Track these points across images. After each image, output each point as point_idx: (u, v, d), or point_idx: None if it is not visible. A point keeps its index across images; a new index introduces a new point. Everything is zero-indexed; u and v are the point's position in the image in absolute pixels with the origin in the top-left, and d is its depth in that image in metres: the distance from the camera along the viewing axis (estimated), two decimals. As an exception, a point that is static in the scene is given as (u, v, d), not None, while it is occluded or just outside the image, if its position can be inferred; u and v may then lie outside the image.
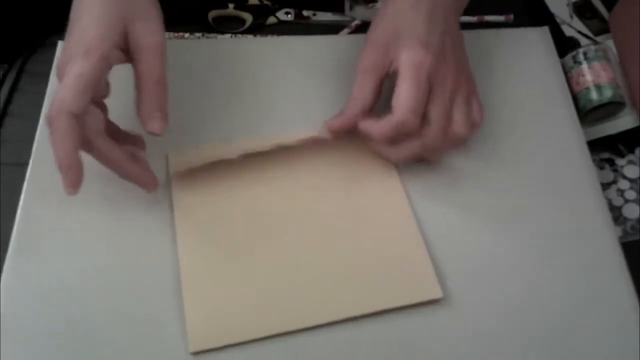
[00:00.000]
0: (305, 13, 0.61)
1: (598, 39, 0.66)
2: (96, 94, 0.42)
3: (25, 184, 0.48)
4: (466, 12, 0.59)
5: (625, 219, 0.58)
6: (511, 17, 0.61)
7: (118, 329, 0.42)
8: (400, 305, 0.43)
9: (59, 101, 0.40)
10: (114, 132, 0.45)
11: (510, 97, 0.54)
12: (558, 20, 0.68)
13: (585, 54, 0.58)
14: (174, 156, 0.49)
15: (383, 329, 0.43)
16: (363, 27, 0.61)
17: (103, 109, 0.44)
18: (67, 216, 0.47)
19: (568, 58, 0.59)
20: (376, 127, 0.45)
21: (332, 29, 0.61)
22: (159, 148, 0.49)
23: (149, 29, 0.43)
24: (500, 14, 0.62)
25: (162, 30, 0.44)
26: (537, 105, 0.54)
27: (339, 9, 0.62)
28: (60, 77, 0.42)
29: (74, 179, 0.41)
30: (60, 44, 0.56)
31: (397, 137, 0.46)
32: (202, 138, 0.51)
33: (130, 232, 0.46)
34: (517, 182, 0.49)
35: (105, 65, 0.42)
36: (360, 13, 0.61)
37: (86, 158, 0.42)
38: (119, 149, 0.43)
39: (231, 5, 0.62)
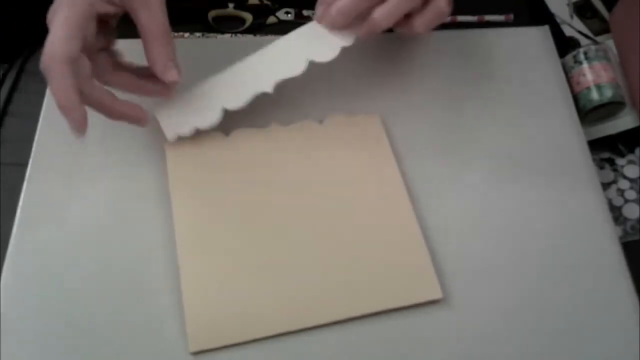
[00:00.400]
0: (305, 13, 0.61)
1: (598, 39, 0.66)
2: (86, 43, 0.42)
3: (25, 184, 0.48)
4: (466, 12, 0.59)
5: (625, 219, 0.58)
6: (511, 17, 0.61)
7: (118, 329, 0.42)
8: (400, 306, 0.43)
9: (50, 48, 0.40)
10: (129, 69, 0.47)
11: (510, 97, 0.54)
12: (558, 20, 0.68)
13: (585, 53, 0.58)
14: (171, 148, 0.50)
15: (383, 329, 0.43)
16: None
17: (109, 54, 0.46)
18: (66, 216, 0.47)
19: (568, 58, 0.59)
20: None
21: (332, 28, 0.61)
22: (157, 143, 0.50)
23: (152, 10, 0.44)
24: (500, 13, 0.62)
25: None
26: (537, 105, 0.54)
27: (339, 9, 0.62)
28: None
29: (78, 121, 0.41)
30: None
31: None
32: (201, 135, 0.51)
33: (130, 233, 0.46)
34: (517, 182, 0.49)
35: (91, 12, 0.42)
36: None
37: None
38: (106, 92, 0.44)
39: (231, 5, 0.62)
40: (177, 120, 0.48)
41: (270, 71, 0.48)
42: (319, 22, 0.48)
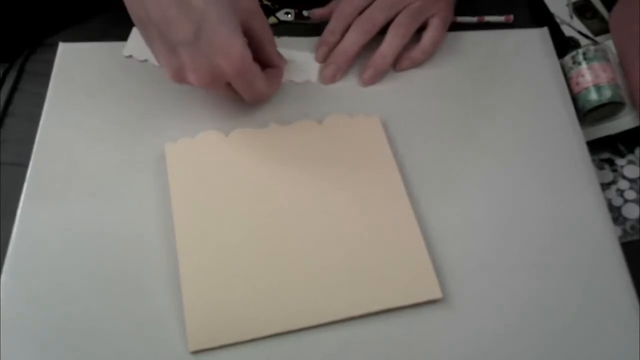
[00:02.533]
0: (305, 13, 0.61)
1: (598, 39, 0.66)
2: None
3: (25, 184, 0.48)
4: (466, 12, 0.59)
5: (625, 219, 0.58)
6: (511, 17, 0.61)
7: (118, 329, 0.42)
8: (400, 306, 0.43)
9: (239, 53, 0.44)
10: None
11: (510, 98, 0.54)
12: (558, 20, 0.67)
13: (584, 54, 0.57)
14: (171, 148, 0.50)
15: (383, 329, 0.43)
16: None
17: None
18: (66, 216, 0.47)
19: (567, 58, 0.58)
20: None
21: (332, 29, 0.61)
22: (157, 143, 0.50)
23: (263, 22, 0.49)
24: (500, 14, 0.62)
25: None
26: (537, 105, 0.54)
27: (339, 9, 0.62)
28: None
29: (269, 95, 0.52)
30: (60, 44, 0.56)
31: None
32: (201, 135, 0.51)
33: (130, 233, 0.46)
34: (517, 182, 0.50)
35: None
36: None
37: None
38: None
39: (231, 6, 0.62)
40: (141, 47, 0.51)
41: None
42: (325, 77, 0.55)
